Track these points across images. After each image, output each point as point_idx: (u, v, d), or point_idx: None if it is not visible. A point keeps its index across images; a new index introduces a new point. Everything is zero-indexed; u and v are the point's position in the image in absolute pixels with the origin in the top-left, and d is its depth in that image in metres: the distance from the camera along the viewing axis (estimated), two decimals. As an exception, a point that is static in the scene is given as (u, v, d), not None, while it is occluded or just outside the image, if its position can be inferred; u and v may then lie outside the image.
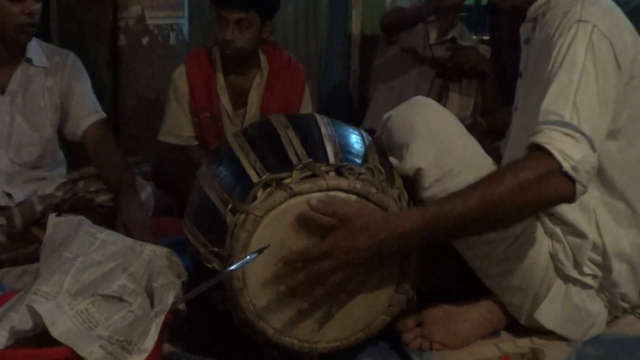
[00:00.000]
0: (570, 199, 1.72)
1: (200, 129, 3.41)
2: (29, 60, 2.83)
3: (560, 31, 1.85)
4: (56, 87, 2.88)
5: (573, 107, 1.73)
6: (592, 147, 1.71)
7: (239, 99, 3.43)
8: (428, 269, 1.89)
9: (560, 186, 1.69)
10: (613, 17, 1.88)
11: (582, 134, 1.70)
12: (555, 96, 1.77)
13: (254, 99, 3.41)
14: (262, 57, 3.43)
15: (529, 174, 1.68)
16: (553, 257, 1.97)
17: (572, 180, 1.68)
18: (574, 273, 1.97)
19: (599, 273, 1.98)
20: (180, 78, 3.41)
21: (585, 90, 1.76)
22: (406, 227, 1.71)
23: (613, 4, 1.95)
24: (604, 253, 1.96)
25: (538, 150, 1.70)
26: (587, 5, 1.86)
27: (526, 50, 2.11)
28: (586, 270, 1.97)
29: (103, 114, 2.96)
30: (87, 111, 2.92)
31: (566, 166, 1.67)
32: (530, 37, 2.08)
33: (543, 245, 1.96)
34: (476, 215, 1.70)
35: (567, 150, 1.68)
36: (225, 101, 3.38)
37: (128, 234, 2.52)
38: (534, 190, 1.68)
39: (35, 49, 2.85)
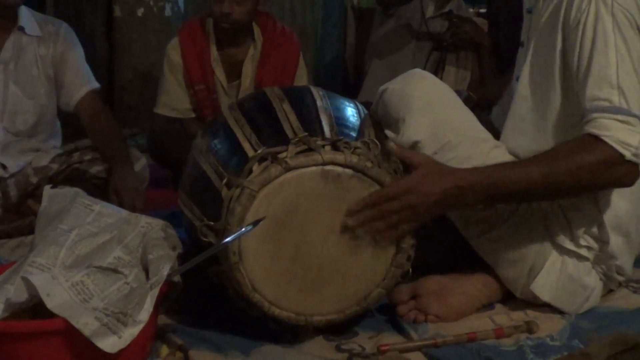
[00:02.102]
0: (635, 181, 1.78)
1: (196, 101, 3.40)
2: (21, 29, 2.81)
3: (576, 6, 1.85)
4: (49, 56, 2.87)
5: (619, 90, 1.76)
6: None
7: (233, 71, 3.42)
8: (424, 241, 1.89)
9: (624, 173, 1.75)
10: None
11: (635, 116, 1.74)
12: (598, 81, 1.79)
13: (248, 70, 3.40)
14: (256, 29, 3.42)
15: (592, 160, 1.73)
16: (549, 229, 1.98)
17: (634, 165, 1.74)
18: (569, 245, 1.98)
19: (595, 245, 1.99)
20: (174, 50, 3.40)
21: (624, 69, 1.78)
22: (471, 181, 1.77)
23: None
24: (600, 224, 1.97)
25: (596, 139, 1.74)
26: None
27: (528, 19, 2.10)
28: (582, 242, 1.98)
29: (96, 84, 2.96)
30: (81, 81, 2.91)
31: (628, 155, 1.72)
32: (533, 7, 2.07)
33: (539, 217, 1.97)
34: (537, 188, 1.77)
35: (625, 139, 1.72)
36: (219, 73, 3.38)
37: (119, 198, 2.53)
38: (597, 175, 1.75)
39: (27, 17, 2.84)
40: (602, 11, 1.82)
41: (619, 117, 1.74)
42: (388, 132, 1.97)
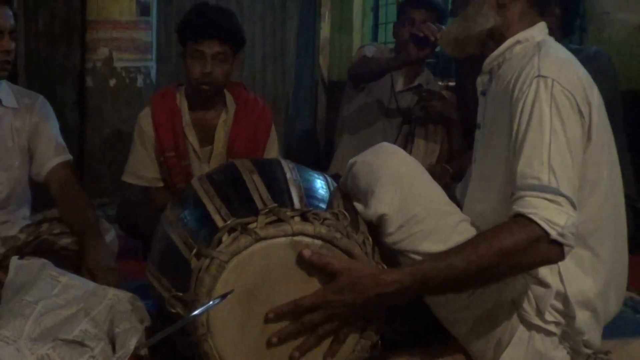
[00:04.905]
0: (559, 260, 1.78)
1: (166, 168, 3.40)
2: None
3: (520, 86, 1.87)
4: (24, 128, 2.86)
5: (549, 169, 1.76)
6: (573, 205, 1.75)
7: (206, 136, 3.44)
8: (393, 314, 1.89)
9: (548, 252, 1.74)
10: (570, 67, 1.91)
11: (563, 195, 1.74)
12: (529, 158, 1.79)
13: (221, 135, 3.41)
14: (228, 96, 3.45)
15: (517, 241, 1.72)
16: (516, 304, 1.98)
17: (559, 245, 1.73)
18: (536, 320, 1.97)
19: (562, 320, 1.99)
20: (145, 119, 3.41)
21: (557, 148, 1.78)
22: (393, 287, 1.77)
23: (568, 53, 1.98)
24: (566, 301, 1.97)
25: (523, 218, 1.73)
26: (544, 58, 1.89)
27: (483, 102, 2.12)
28: (549, 317, 1.97)
29: (69, 157, 2.94)
30: (53, 153, 2.89)
31: (553, 234, 1.71)
32: (486, 89, 2.10)
33: (506, 292, 1.97)
34: (463, 277, 1.76)
35: (552, 218, 1.72)
36: (191, 138, 3.39)
37: (93, 278, 2.49)
38: (521, 256, 1.74)
39: (5, 90, 2.84)
40: (541, 91, 1.83)
41: (547, 195, 1.74)
42: (356, 205, 1.98)
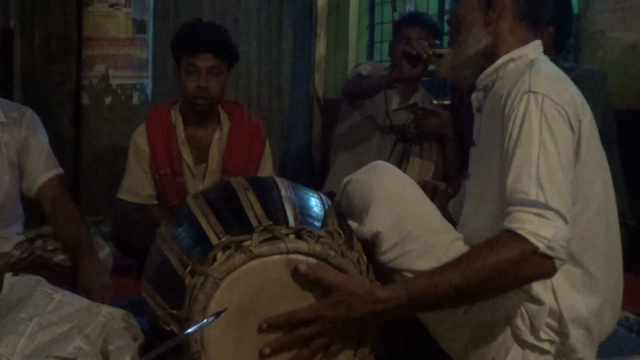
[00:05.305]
0: (551, 274, 1.78)
1: (161, 185, 3.41)
2: None
3: (510, 102, 1.88)
4: (13, 142, 2.84)
5: (537, 184, 1.76)
6: (563, 218, 1.75)
7: (200, 154, 3.45)
8: (387, 333, 1.89)
9: (539, 265, 1.74)
10: (561, 84, 1.92)
11: (551, 209, 1.74)
12: (517, 174, 1.80)
13: (215, 153, 3.43)
14: (222, 113, 3.47)
15: (509, 255, 1.73)
16: (510, 322, 1.98)
17: (549, 258, 1.73)
18: (531, 339, 1.97)
19: (556, 338, 1.99)
20: (140, 136, 3.42)
21: (546, 162, 1.79)
22: (389, 304, 1.76)
23: (560, 71, 2.00)
24: (560, 318, 1.97)
25: (511, 233, 1.74)
26: (535, 75, 1.90)
27: (478, 118, 2.14)
28: (543, 335, 1.97)
29: (60, 170, 2.92)
30: (43, 167, 2.87)
31: (541, 247, 1.71)
32: (481, 106, 2.12)
33: (501, 310, 1.97)
34: (458, 292, 1.76)
35: (538, 231, 1.72)
36: (186, 155, 3.40)
37: (87, 295, 2.48)
38: (514, 270, 1.74)
39: None
40: (531, 106, 1.84)
41: (535, 210, 1.74)
42: (351, 222, 1.98)
